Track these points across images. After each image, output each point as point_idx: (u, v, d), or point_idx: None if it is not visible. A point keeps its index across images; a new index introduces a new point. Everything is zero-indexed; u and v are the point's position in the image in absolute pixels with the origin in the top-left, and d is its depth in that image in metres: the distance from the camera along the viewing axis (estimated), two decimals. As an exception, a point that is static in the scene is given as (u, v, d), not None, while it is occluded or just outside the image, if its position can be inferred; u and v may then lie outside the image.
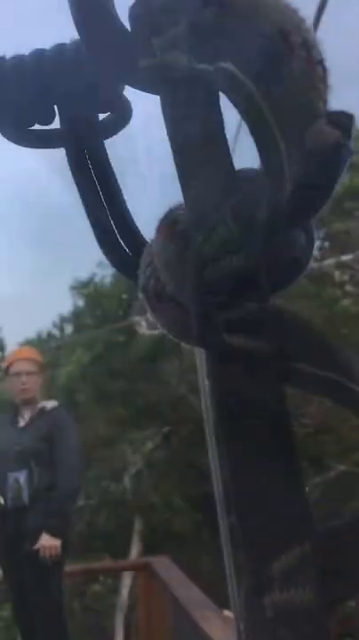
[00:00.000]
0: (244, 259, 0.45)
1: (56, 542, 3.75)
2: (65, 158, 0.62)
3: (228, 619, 3.07)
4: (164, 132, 0.50)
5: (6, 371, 4.16)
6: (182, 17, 0.46)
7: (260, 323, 0.46)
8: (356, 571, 0.43)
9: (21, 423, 4.06)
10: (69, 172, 0.62)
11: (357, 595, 0.45)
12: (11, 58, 0.61)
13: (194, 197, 0.49)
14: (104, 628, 10.29)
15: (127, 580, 10.22)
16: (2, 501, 3.86)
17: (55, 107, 0.61)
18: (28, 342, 14.47)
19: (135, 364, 13.48)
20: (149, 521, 12.61)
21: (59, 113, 0.61)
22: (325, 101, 0.44)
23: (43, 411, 4.07)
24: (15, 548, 3.80)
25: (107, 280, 15.56)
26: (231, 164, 0.49)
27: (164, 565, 5.04)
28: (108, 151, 0.63)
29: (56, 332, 16.77)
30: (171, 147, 0.50)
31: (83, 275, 15.73)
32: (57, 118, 0.62)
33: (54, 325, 16.73)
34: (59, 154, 0.62)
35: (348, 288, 11.19)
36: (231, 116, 0.48)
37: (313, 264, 0.55)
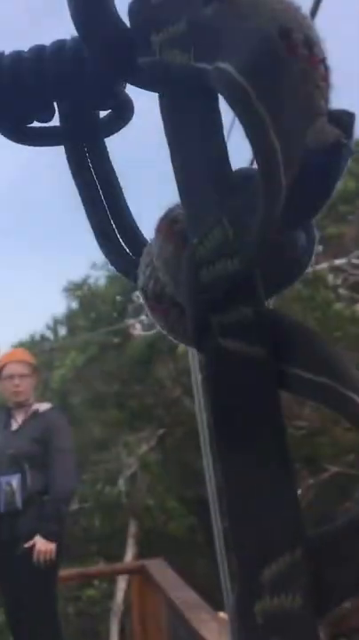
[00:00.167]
0: (240, 262, 0.44)
1: (51, 546, 3.73)
2: (64, 156, 0.61)
3: (223, 621, 3.07)
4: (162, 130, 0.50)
5: (-1, 373, 4.13)
6: (182, 14, 0.46)
7: (256, 327, 0.45)
8: (350, 576, 0.43)
9: (14, 426, 4.03)
10: (69, 171, 0.62)
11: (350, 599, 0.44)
12: (9, 54, 0.60)
13: (190, 198, 0.48)
14: (98, 633, 10.28)
15: (122, 583, 10.22)
16: None
17: (54, 104, 0.61)
18: (21, 344, 14.45)
19: (130, 367, 13.48)
20: (144, 524, 12.60)
21: (59, 110, 0.61)
22: (327, 100, 0.44)
23: (36, 413, 4.05)
24: (9, 553, 3.78)
25: (101, 282, 15.59)
26: (228, 164, 0.48)
27: (159, 568, 5.03)
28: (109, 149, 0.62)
29: (49, 335, 16.76)
30: (169, 146, 0.49)
31: (77, 277, 15.78)
32: (56, 116, 0.61)
33: (48, 327, 16.73)
34: (59, 151, 0.61)
35: (341, 291, 11.26)
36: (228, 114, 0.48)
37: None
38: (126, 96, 0.60)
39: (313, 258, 0.52)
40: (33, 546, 3.73)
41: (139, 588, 5.32)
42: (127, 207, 0.63)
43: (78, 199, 0.62)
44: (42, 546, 3.72)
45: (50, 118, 0.61)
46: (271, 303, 0.50)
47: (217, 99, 0.47)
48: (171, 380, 12.93)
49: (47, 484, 3.85)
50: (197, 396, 2.59)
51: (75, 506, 11.13)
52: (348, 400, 0.44)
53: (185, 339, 0.53)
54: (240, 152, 0.50)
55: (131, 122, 0.62)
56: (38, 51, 0.60)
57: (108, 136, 0.62)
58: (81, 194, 0.62)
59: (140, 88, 0.54)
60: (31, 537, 3.74)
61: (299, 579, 0.41)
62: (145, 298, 0.54)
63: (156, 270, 0.52)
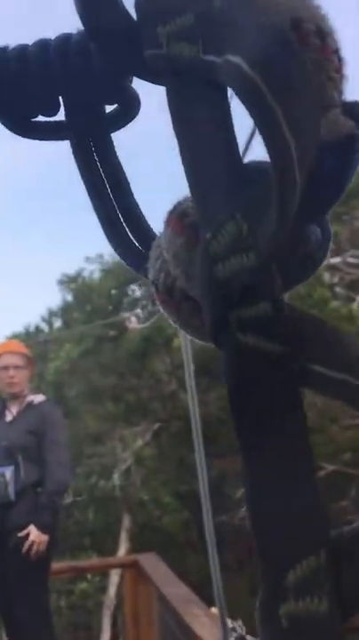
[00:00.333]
0: (256, 258, 0.43)
1: (44, 537, 3.73)
2: (70, 150, 0.61)
3: (215, 616, 3.07)
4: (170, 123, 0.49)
5: (-7, 364, 4.11)
6: (190, 5, 0.45)
7: (275, 322, 0.44)
8: None
9: (9, 417, 4.02)
10: (75, 165, 0.61)
11: None
12: (14, 47, 0.59)
13: (201, 192, 0.47)
14: (90, 626, 10.29)
15: (115, 577, 10.22)
16: None
17: (60, 98, 0.60)
18: (16, 336, 14.43)
19: (126, 360, 13.48)
20: (138, 518, 12.61)
21: (64, 104, 0.60)
22: (341, 92, 0.43)
23: (30, 405, 4.04)
24: (0, 545, 3.78)
25: (96, 275, 15.58)
26: (239, 157, 0.47)
27: (152, 562, 5.04)
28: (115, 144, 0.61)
29: (44, 327, 16.74)
30: (177, 139, 0.48)
31: (71, 269, 15.78)
32: (62, 110, 0.60)
33: (43, 319, 16.71)
34: (65, 145, 0.60)
35: (338, 290, 11.31)
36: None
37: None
38: (133, 90, 0.59)
39: (328, 254, 0.51)
40: (26, 536, 3.72)
41: (131, 583, 5.32)
42: (135, 201, 0.63)
43: (85, 193, 0.61)
44: (35, 537, 3.71)
45: (55, 112, 0.60)
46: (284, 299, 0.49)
47: (226, 91, 0.46)
48: (167, 373, 12.93)
49: (41, 476, 3.84)
50: (190, 391, 2.57)
51: (68, 499, 11.13)
52: None
53: (199, 333, 0.52)
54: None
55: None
56: (43, 44, 0.59)
57: (115, 131, 0.61)
58: (88, 188, 0.61)
59: (147, 81, 0.53)
60: (23, 529, 3.73)
61: (324, 582, 0.41)
62: (156, 291, 0.53)
63: (166, 263, 0.52)
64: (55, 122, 0.61)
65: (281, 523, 0.42)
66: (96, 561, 9.44)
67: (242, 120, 0.45)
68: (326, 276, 11.07)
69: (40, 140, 0.61)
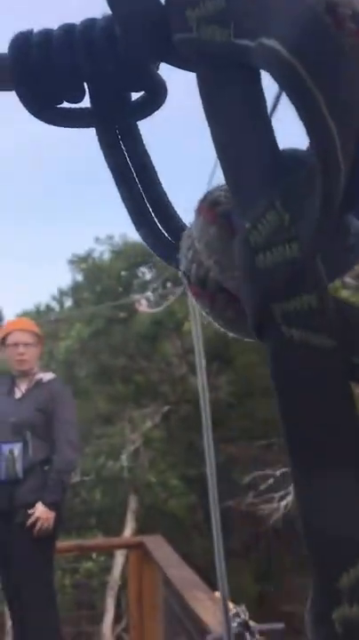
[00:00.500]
0: (299, 249, 0.42)
1: (50, 514, 3.74)
2: (96, 138, 0.59)
3: (219, 600, 3.08)
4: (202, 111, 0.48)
5: (3, 341, 4.09)
6: None
7: (321, 315, 0.42)
8: None
9: (18, 394, 4.01)
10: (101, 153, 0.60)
11: None
12: (38, 32, 0.58)
13: (236, 180, 0.45)
14: (94, 606, 10.36)
15: (120, 558, 10.29)
16: None
17: (85, 84, 0.59)
18: (26, 314, 14.47)
19: (136, 342, 13.50)
20: (145, 500, 12.67)
21: (89, 91, 0.59)
22: None
23: (40, 382, 4.03)
24: (7, 521, 3.79)
25: (106, 256, 15.58)
26: (275, 144, 0.45)
27: (158, 545, 5.06)
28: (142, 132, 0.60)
29: (55, 305, 16.79)
30: (209, 125, 0.47)
31: (81, 250, 15.80)
32: (87, 97, 0.59)
33: (53, 298, 16.76)
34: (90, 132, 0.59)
35: (347, 279, 11.30)
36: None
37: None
38: (159, 77, 0.58)
39: None
40: (32, 513, 3.74)
41: (136, 564, 5.35)
42: (163, 190, 0.61)
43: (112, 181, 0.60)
44: (42, 513, 3.72)
45: (80, 99, 0.59)
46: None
47: (259, 75, 0.45)
48: (178, 357, 12.94)
49: (49, 454, 3.85)
50: (200, 376, 2.57)
51: (76, 478, 11.19)
52: None
53: (233, 325, 0.51)
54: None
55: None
56: (68, 29, 0.58)
57: (141, 119, 0.60)
58: (115, 176, 0.60)
59: (176, 67, 0.52)
60: (30, 506, 3.74)
61: None
62: (188, 283, 0.52)
63: (198, 254, 0.50)
64: (80, 108, 0.59)
65: (335, 523, 0.40)
66: (101, 541, 9.50)
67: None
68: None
69: (65, 126, 0.60)
